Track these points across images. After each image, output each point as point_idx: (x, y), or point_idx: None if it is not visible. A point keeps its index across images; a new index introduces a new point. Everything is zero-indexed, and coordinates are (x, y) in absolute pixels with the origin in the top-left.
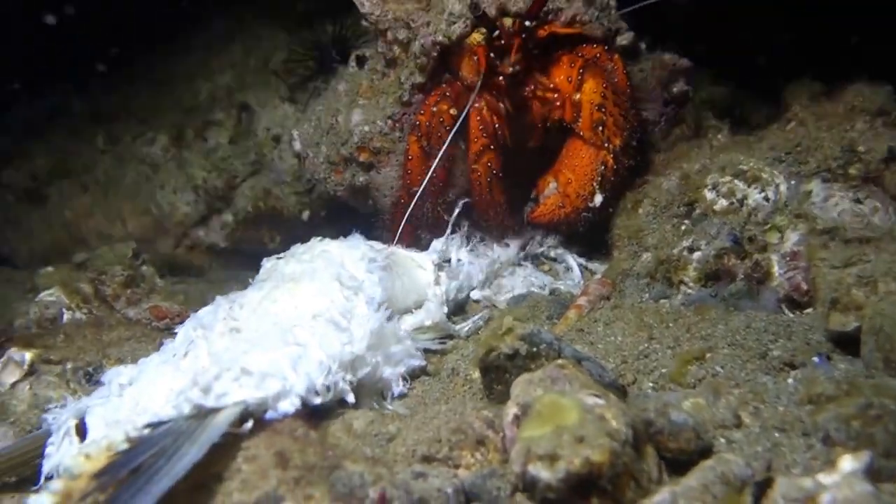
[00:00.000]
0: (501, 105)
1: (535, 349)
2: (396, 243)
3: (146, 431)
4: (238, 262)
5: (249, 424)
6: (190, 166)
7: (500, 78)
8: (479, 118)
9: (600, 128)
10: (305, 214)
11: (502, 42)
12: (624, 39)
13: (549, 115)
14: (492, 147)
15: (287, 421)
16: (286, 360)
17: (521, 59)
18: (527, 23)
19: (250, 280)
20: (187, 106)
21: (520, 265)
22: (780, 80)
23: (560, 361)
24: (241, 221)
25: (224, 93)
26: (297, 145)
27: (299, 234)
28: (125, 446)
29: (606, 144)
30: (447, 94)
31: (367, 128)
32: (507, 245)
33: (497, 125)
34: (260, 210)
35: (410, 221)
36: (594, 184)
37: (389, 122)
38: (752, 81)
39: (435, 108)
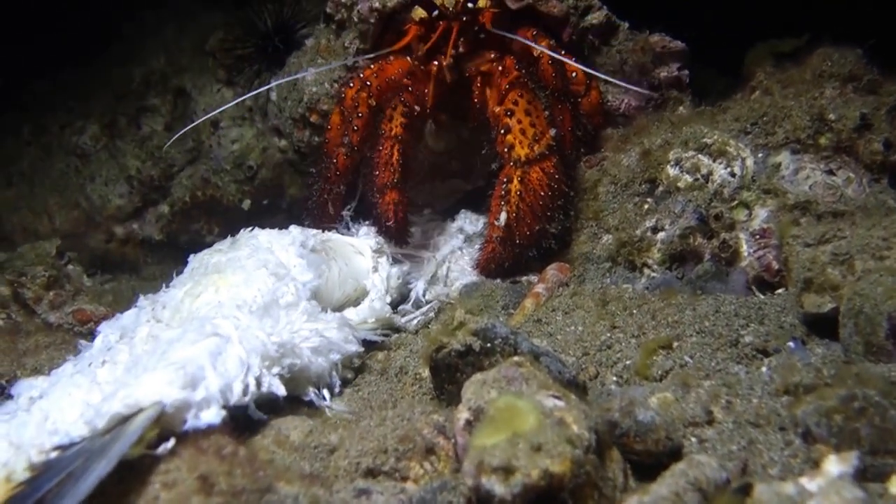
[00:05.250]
0: (434, 84)
1: (489, 345)
2: (319, 222)
3: (54, 454)
4: (173, 256)
5: (170, 444)
6: (123, 156)
7: (438, 60)
8: (410, 88)
9: (504, 132)
10: (246, 203)
11: (441, 24)
12: (594, 18)
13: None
14: (405, 115)
15: (214, 437)
16: (205, 354)
17: (464, 43)
18: (469, 4)
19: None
20: (119, 92)
21: (460, 249)
22: (740, 43)
23: (516, 359)
24: (178, 212)
25: (158, 77)
26: (273, 96)
27: (239, 224)
28: (27, 475)
29: (508, 152)
30: (372, 78)
31: (315, 88)
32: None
33: (425, 99)
34: (198, 200)
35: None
36: (501, 202)
37: (336, 85)
38: (710, 46)
39: (355, 94)
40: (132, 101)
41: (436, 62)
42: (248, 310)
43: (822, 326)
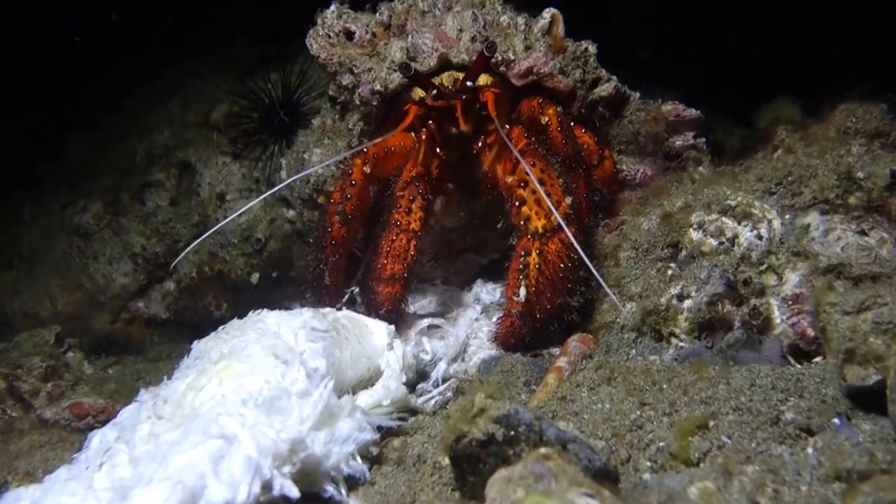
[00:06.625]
0: (438, 161)
1: (512, 433)
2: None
3: None
4: (181, 334)
5: None
6: (127, 233)
7: (436, 133)
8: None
9: (518, 204)
10: (254, 277)
11: (440, 102)
12: (603, 90)
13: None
14: (424, 208)
15: None
16: (206, 460)
17: (465, 121)
18: (468, 83)
19: (188, 356)
20: (122, 168)
21: (476, 320)
22: (757, 100)
23: (543, 451)
24: (185, 289)
25: (162, 151)
26: (283, 174)
27: (248, 298)
28: None
29: (524, 225)
30: (370, 146)
31: (320, 170)
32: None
33: (431, 175)
34: (205, 275)
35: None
36: (519, 276)
37: (341, 167)
38: (726, 102)
39: (351, 161)
40: (136, 176)
41: (428, 131)
42: (254, 404)
43: (868, 400)
